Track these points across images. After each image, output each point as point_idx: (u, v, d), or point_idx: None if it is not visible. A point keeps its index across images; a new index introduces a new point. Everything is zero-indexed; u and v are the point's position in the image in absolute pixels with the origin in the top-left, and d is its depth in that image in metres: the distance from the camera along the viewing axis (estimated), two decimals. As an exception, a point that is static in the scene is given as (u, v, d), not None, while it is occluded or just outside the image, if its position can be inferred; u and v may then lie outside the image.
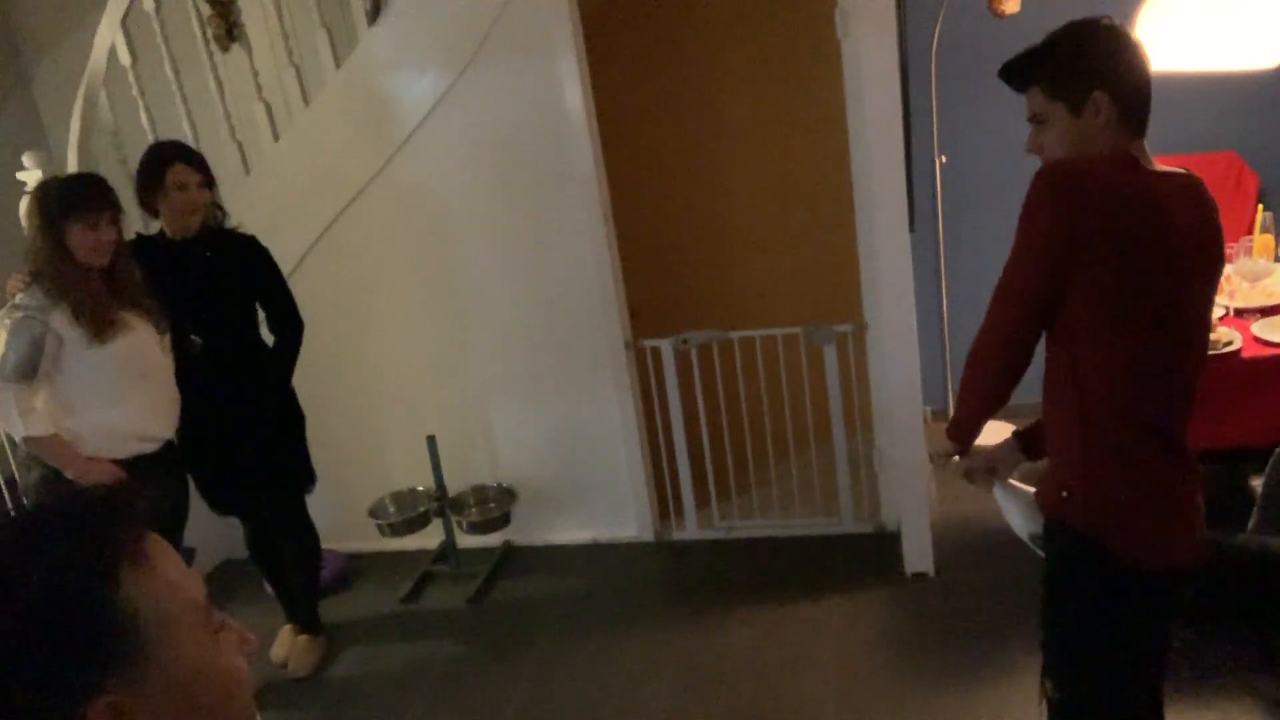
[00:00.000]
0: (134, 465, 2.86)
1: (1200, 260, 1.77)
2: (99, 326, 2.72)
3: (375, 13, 3.58)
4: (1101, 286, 1.69)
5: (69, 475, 2.79)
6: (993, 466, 2.08)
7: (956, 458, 2.05)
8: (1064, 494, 1.83)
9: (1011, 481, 2.07)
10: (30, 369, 2.70)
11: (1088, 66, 1.76)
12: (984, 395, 1.91)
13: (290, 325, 3.23)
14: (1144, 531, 1.79)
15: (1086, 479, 1.79)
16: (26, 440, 2.75)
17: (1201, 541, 1.82)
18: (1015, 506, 2.06)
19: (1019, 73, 1.83)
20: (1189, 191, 1.77)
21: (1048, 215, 1.70)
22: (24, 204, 3.08)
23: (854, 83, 3.36)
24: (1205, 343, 1.87)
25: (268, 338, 3.29)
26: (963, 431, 1.99)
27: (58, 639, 0.76)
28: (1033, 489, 1.95)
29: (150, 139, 3.79)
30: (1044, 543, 1.92)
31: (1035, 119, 1.81)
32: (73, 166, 3.71)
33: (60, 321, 2.71)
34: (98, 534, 0.79)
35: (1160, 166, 1.78)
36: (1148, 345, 1.74)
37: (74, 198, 2.70)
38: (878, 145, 3.17)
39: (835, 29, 3.36)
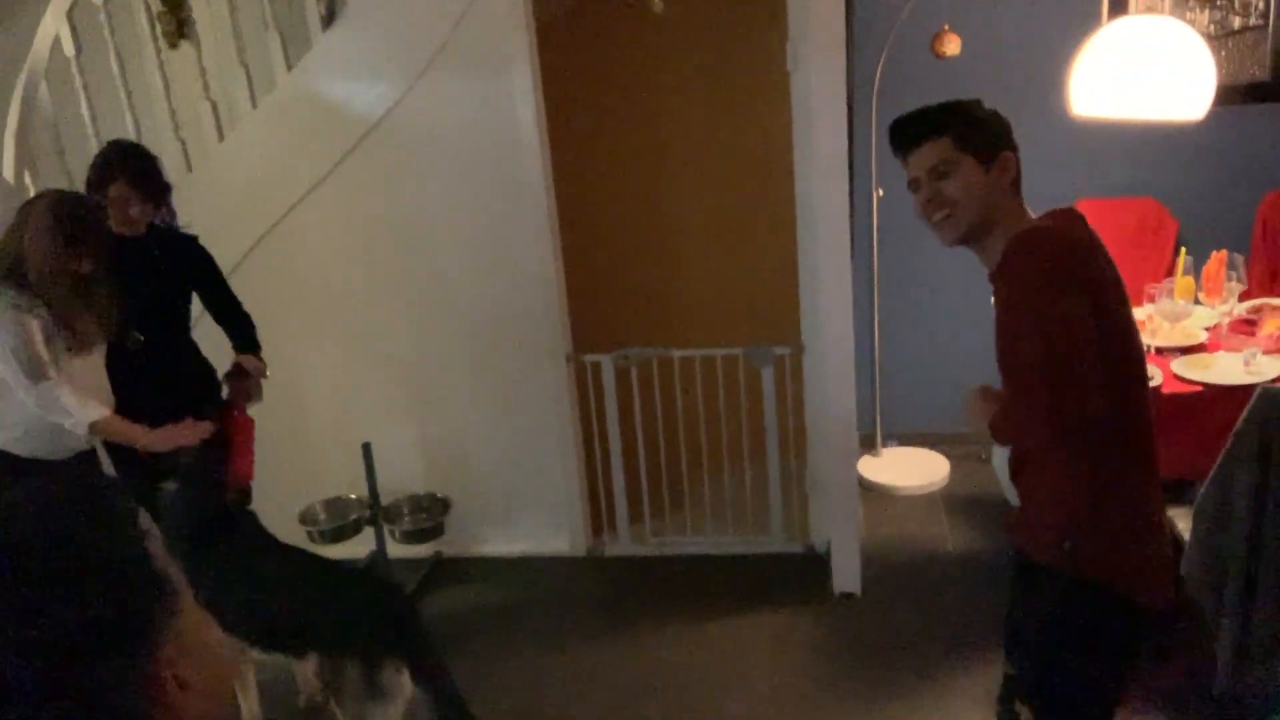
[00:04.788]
0: (63, 464, 2.81)
1: (1123, 288, 1.88)
2: (74, 336, 2.68)
3: (330, 17, 3.57)
4: (1097, 330, 1.73)
5: (141, 447, 2.74)
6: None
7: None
8: (1067, 545, 1.83)
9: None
10: (48, 359, 2.61)
11: (998, 127, 1.88)
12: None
13: (240, 315, 3.25)
14: (1148, 566, 1.84)
15: (1094, 525, 1.81)
16: (92, 427, 2.65)
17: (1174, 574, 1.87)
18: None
19: (930, 120, 1.87)
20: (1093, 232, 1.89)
21: (1059, 278, 1.72)
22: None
23: (802, 114, 3.45)
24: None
25: (198, 335, 3.28)
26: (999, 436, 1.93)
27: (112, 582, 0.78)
28: None
29: (91, 133, 3.73)
30: (1038, 587, 1.91)
31: (936, 170, 1.85)
32: (9, 157, 3.63)
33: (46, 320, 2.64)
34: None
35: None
36: (1133, 374, 1.82)
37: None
38: (823, 175, 3.25)
39: (785, 61, 3.45)
